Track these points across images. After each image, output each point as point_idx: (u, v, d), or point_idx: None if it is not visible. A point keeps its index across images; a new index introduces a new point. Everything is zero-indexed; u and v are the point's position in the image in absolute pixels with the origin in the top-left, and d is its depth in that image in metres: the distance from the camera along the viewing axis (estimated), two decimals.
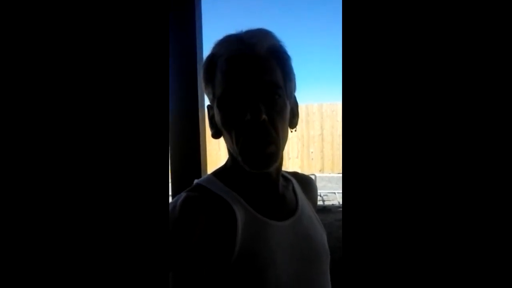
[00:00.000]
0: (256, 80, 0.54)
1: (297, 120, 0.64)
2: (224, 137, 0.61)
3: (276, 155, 0.56)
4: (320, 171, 7.37)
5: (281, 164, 0.64)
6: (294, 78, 0.62)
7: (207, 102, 0.65)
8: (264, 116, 0.53)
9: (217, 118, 0.59)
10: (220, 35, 0.61)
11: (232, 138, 0.56)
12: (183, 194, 0.58)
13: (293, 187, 0.70)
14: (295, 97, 0.64)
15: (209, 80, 0.59)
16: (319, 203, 5.74)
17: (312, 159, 7.49)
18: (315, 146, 7.52)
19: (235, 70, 0.55)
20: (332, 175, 7.35)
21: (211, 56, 0.59)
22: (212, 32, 0.63)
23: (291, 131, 0.63)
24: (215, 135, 0.62)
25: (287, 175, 0.72)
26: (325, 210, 5.33)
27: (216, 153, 6.43)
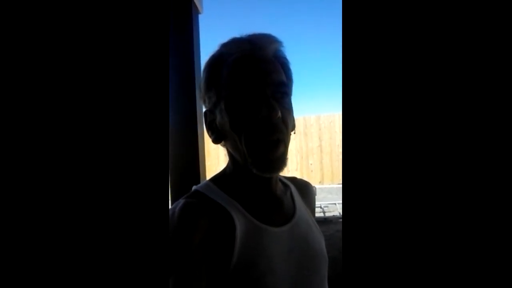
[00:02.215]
0: (267, 80, 0.55)
1: (294, 123, 0.65)
2: (227, 141, 0.60)
3: (285, 156, 0.57)
4: (320, 182, 7.36)
5: None
6: (292, 80, 0.63)
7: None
8: (279, 114, 0.53)
9: (222, 120, 0.58)
10: (218, 41, 0.60)
11: (242, 139, 0.55)
12: (181, 201, 0.57)
13: (291, 192, 0.69)
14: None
15: (213, 82, 0.59)
16: (320, 215, 5.68)
17: (312, 171, 7.49)
18: (314, 158, 7.53)
19: (247, 69, 0.55)
20: (332, 186, 7.34)
21: (217, 57, 0.59)
22: (210, 41, 0.64)
23: (290, 134, 0.64)
24: (217, 140, 0.61)
25: (285, 180, 0.72)
26: (326, 221, 5.28)
27: (215, 168, 6.42)
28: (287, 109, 0.57)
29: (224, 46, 0.59)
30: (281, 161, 0.56)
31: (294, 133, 0.64)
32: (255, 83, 0.55)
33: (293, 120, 0.63)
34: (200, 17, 1.38)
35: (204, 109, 0.65)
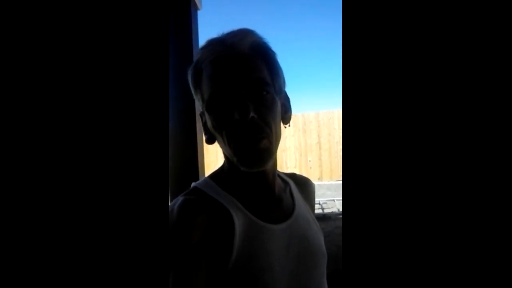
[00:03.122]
0: (242, 79, 0.54)
1: (290, 115, 0.64)
2: (217, 141, 0.61)
3: (270, 150, 0.56)
4: (318, 179, 7.38)
5: (275, 165, 0.64)
6: (282, 73, 0.61)
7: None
8: (252, 114, 0.53)
9: (208, 122, 0.59)
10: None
11: (224, 139, 0.56)
12: (180, 198, 0.58)
13: (290, 189, 0.69)
14: (285, 92, 0.64)
15: (197, 86, 0.60)
16: (319, 211, 5.67)
17: (311, 167, 7.51)
18: (313, 155, 7.54)
19: (220, 71, 0.55)
20: (331, 182, 7.35)
21: (196, 62, 0.60)
22: (210, 36, 0.63)
23: (285, 127, 0.63)
24: (209, 141, 0.62)
25: (284, 176, 0.72)
26: (325, 218, 5.29)
27: (214, 165, 6.42)
28: (268, 107, 0.56)
29: (201, 48, 0.60)
30: (265, 153, 0.55)
31: (289, 125, 0.64)
32: (228, 84, 0.54)
33: (287, 113, 0.63)
34: (199, 13, 1.37)
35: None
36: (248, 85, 0.54)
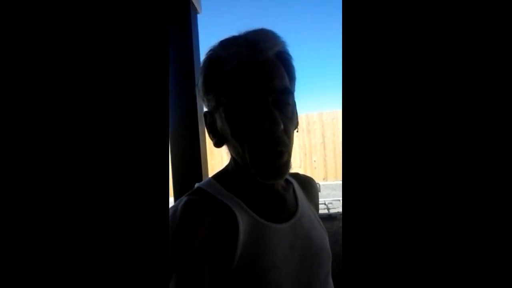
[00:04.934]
0: (269, 87, 0.53)
1: (298, 120, 0.63)
2: (230, 146, 0.59)
3: (288, 163, 0.56)
4: (323, 179, 7.37)
5: None
6: (295, 77, 0.61)
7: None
8: (282, 126, 0.52)
9: (223, 126, 0.57)
10: (218, 39, 0.59)
11: (245, 148, 0.55)
12: (184, 198, 0.58)
13: (293, 188, 0.69)
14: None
15: (212, 86, 0.57)
16: (324, 211, 5.65)
17: (315, 167, 7.49)
18: (317, 155, 7.53)
19: (247, 77, 0.53)
20: (336, 182, 7.34)
21: (216, 60, 0.57)
22: (209, 40, 0.62)
23: (293, 136, 0.62)
24: (218, 144, 0.60)
25: (287, 176, 0.71)
26: (331, 218, 5.28)
27: (219, 167, 6.41)
28: (290, 118, 0.55)
29: (223, 48, 0.57)
30: (285, 168, 0.55)
31: (297, 131, 0.63)
32: (255, 91, 0.53)
33: (297, 118, 0.61)
34: (199, 16, 1.38)
35: (204, 109, 0.64)
36: (275, 94, 0.53)
